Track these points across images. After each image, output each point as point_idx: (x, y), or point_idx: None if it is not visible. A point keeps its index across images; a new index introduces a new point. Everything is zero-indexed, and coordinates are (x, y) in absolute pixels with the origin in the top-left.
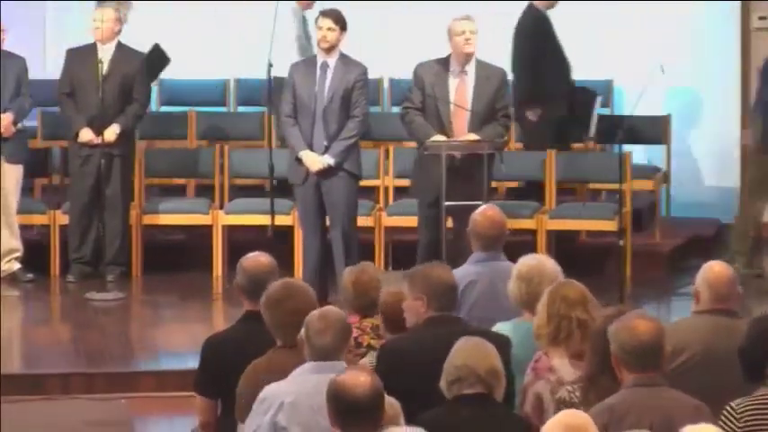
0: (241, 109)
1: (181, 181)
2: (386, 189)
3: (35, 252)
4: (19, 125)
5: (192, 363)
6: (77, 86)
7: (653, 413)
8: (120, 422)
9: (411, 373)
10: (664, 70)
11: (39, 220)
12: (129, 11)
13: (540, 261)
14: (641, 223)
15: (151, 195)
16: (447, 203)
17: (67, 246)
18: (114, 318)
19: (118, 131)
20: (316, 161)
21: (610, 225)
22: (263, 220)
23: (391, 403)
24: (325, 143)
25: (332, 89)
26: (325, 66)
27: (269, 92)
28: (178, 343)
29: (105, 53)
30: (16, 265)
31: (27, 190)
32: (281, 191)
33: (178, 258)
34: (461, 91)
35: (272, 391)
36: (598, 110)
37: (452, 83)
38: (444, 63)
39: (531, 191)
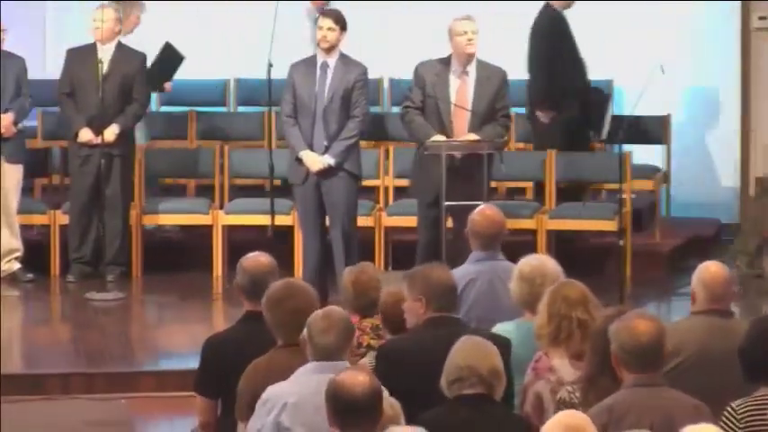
0: (241, 109)
1: (181, 181)
2: (386, 189)
3: (35, 252)
4: (19, 125)
5: (193, 363)
6: (77, 86)
7: (653, 413)
8: (120, 422)
9: (410, 374)
10: (664, 70)
11: (39, 220)
12: (142, 12)
13: (542, 261)
14: (641, 223)
15: (151, 195)
16: (447, 203)
17: (67, 246)
18: (114, 318)
19: (117, 131)
20: (316, 161)
21: (610, 225)
22: (263, 220)
23: (392, 404)
24: (326, 143)
25: (332, 89)
26: (325, 66)
27: (269, 92)
28: (178, 343)
29: (105, 53)
30: (16, 265)
31: (27, 190)
32: (281, 191)
33: (178, 258)
34: (462, 91)
35: (274, 391)
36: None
37: (454, 83)
38: (445, 63)
39: (570, 191)
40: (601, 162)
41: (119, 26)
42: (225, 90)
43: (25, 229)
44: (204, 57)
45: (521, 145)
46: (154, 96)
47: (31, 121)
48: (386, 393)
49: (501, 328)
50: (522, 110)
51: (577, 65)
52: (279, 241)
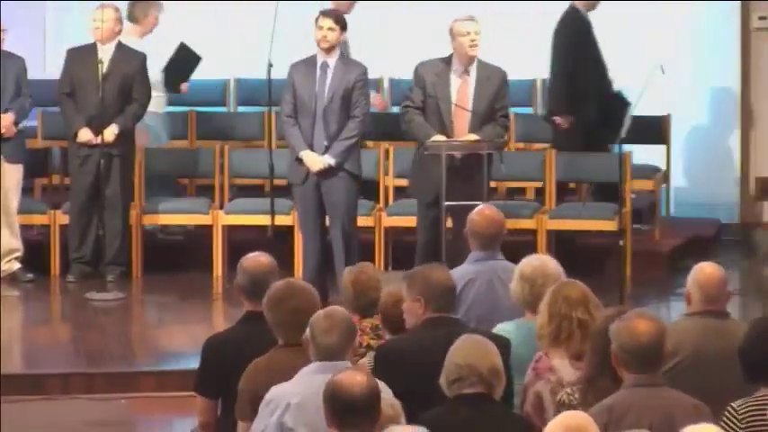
0: (241, 109)
1: (182, 181)
2: (386, 189)
3: (35, 252)
4: (19, 125)
5: (193, 363)
6: (77, 86)
7: (652, 413)
8: (120, 422)
9: (408, 374)
10: (664, 70)
11: (39, 220)
12: (160, 12)
13: (544, 262)
14: (641, 223)
15: (151, 195)
16: (447, 203)
17: (67, 246)
18: (114, 318)
19: (116, 131)
20: (316, 161)
21: (610, 225)
22: (263, 220)
23: (392, 403)
24: (326, 143)
25: (332, 89)
26: (325, 66)
27: (269, 92)
28: (178, 343)
29: (105, 53)
30: (16, 265)
31: (27, 190)
32: (281, 191)
33: (178, 258)
34: (463, 91)
35: (278, 392)
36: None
37: (455, 83)
38: (446, 63)
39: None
40: (601, 162)
41: (119, 26)
42: (225, 90)
43: (25, 229)
44: (204, 57)
45: (521, 145)
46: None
47: (31, 121)
48: (388, 393)
49: (501, 328)
50: (522, 110)
51: (599, 67)
52: (279, 241)
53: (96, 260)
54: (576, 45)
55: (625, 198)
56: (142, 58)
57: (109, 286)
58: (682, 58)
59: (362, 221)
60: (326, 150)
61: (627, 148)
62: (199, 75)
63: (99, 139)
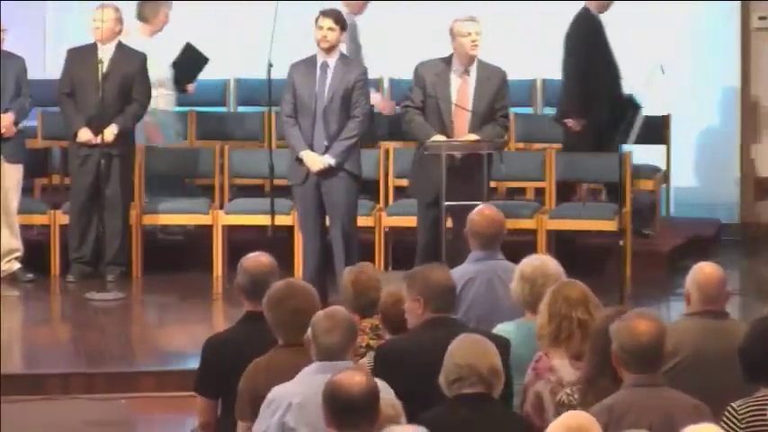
0: (241, 109)
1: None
2: (386, 189)
3: (35, 252)
4: (19, 125)
5: (193, 363)
6: (77, 86)
7: (652, 413)
8: (120, 422)
9: (408, 375)
10: (664, 70)
11: (39, 220)
12: (170, 10)
13: (544, 262)
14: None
15: (154, 195)
16: (447, 203)
17: (67, 246)
18: (114, 318)
19: (116, 132)
20: (317, 161)
21: (610, 225)
22: (263, 220)
23: (393, 404)
24: (326, 143)
25: (332, 89)
26: (325, 66)
27: (269, 92)
28: (178, 343)
29: (105, 53)
30: (16, 265)
31: (27, 190)
32: (281, 191)
33: (178, 258)
34: (463, 91)
35: (279, 392)
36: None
37: (455, 83)
38: (446, 63)
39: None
40: (601, 162)
41: (119, 26)
42: (225, 90)
43: (25, 229)
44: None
45: (521, 145)
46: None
47: (31, 121)
48: (390, 393)
49: (501, 329)
50: (522, 110)
51: (611, 68)
52: (279, 241)
53: (96, 260)
54: (588, 46)
55: (625, 198)
56: (142, 58)
57: (109, 286)
58: (682, 58)
59: (362, 221)
60: (326, 150)
61: (627, 148)
62: (199, 75)
63: (99, 139)
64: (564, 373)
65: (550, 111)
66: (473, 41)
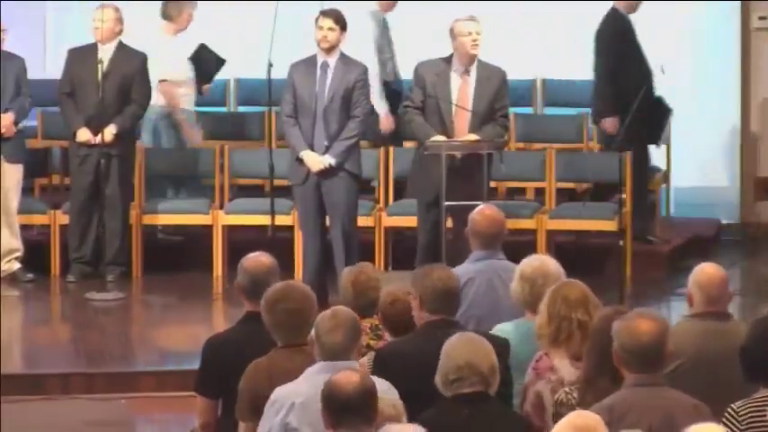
0: (241, 109)
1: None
2: (386, 189)
3: (35, 252)
4: (19, 125)
5: (193, 363)
6: (77, 86)
7: (653, 413)
8: (120, 422)
9: (408, 378)
10: (664, 70)
11: (39, 220)
12: (194, 9)
13: (544, 262)
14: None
15: (152, 195)
16: (447, 203)
17: (68, 246)
18: (114, 318)
19: (114, 132)
20: (317, 161)
21: (610, 225)
22: (263, 220)
23: (394, 404)
24: (326, 143)
25: (332, 89)
26: (325, 66)
27: (269, 92)
28: (178, 343)
29: (105, 53)
30: (16, 265)
31: (27, 190)
32: (281, 191)
33: (178, 258)
34: (464, 91)
35: (282, 392)
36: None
37: (455, 83)
38: (447, 63)
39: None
40: (601, 162)
41: (119, 26)
42: (225, 90)
43: (25, 229)
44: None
45: (521, 145)
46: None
47: (31, 121)
48: (394, 393)
49: (500, 329)
50: (522, 110)
51: (642, 67)
52: (279, 241)
53: (96, 260)
54: (617, 45)
55: (625, 198)
56: (142, 58)
57: (109, 286)
58: (682, 58)
59: (362, 221)
60: (327, 150)
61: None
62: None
63: (98, 139)
64: (564, 372)
65: (550, 111)
66: (473, 41)
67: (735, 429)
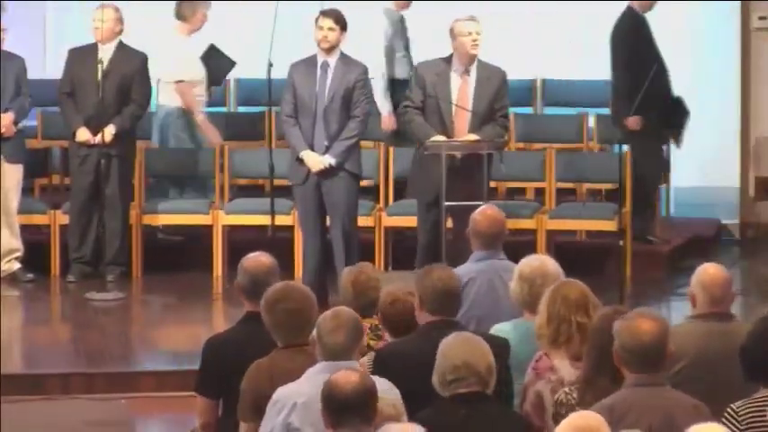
0: (241, 109)
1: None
2: (386, 189)
3: (35, 252)
4: (19, 125)
5: (193, 363)
6: (77, 86)
7: (653, 413)
8: (120, 422)
9: (407, 380)
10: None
11: (39, 220)
12: (208, 9)
13: (543, 262)
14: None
15: (151, 195)
16: (447, 204)
17: (68, 246)
18: (114, 318)
19: (113, 132)
20: (317, 161)
21: (610, 225)
22: (263, 220)
23: (394, 403)
24: (326, 143)
25: (332, 89)
26: (325, 65)
27: (269, 92)
28: (178, 343)
29: (105, 53)
30: (16, 265)
31: (27, 190)
32: (281, 191)
33: (178, 258)
34: (464, 91)
35: (284, 392)
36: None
37: (455, 83)
38: (447, 63)
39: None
40: (601, 162)
41: (119, 26)
42: (225, 90)
43: (25, 229)
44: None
45: (521, 145)
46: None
47: (31, 121)
48: (395, 393)
49: (498, 329)
50: (522, 110)
51: (658, 67)
52: (279, 241)
53: (96, 260)
54: (634, 44)
55: (625, 198)
56: (142, 58)
57: (109, 286)
58: (682, 58)
59: (362, 221)
60: (327, 150)
61: (627, 148)
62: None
63: (97, 139)
64: (564, 372)
65: (550, 111)
66: (473, 41)
67: (734, 429)
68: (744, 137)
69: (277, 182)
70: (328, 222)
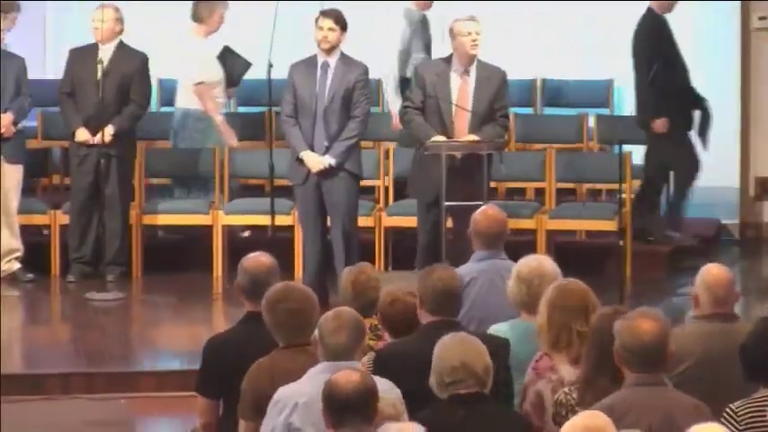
0: (241, 109)
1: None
2: (386, 189)
3: (35, 252)
4: (19, 125)
5: (193, 363)
6: (77, 86)
7: (653, 413)
8: (120, 422)
9: (407, 380)
10: None
11: (39, 220)
12: (225, 10)
13: (541, 263)
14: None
15: (151, 196)
16: (447, 204)
17: (68, 246)
18: (114, 318)
19: (112, 132)
20: (317, 162)
21: (610, 225)
22: (263, 220)
23: (393, 403)
24: (326, 143)
25: (332, 89)
26: (325, 66)
27: (269, 92)
28: (178, 343)
29: (105, 53)
30: (16, 265)
31: (27, 190)
32: (281, 191)
33: (178, 258)
34: (464, 91)
35: (285, 392)
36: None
37: (455, 83)
38: (447, 63)
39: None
40: (601, 162)
41: (119, 26)
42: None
43: (25, 229)
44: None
45: (521, 145)
46: (154, 96)
47: (31, 121)
48: (396, 393)
49: (496, 329)
50: (522, 110)
51: (680, 68)
52: (279, 241)
53: (96, 260)
54: (656, 45)
55: (625, 198)
56: (142, 58)
57: (109, 286)
58: None
59: (362, 221)
60: (327, 151)
61: (627, 148)
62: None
63: (96, 139)
64: (564, 372)
65: (550, 111)
66: (473, 41)
67: (733, 429)
68: (744, 137)
69: (277, 182)
70: (329, 222)
